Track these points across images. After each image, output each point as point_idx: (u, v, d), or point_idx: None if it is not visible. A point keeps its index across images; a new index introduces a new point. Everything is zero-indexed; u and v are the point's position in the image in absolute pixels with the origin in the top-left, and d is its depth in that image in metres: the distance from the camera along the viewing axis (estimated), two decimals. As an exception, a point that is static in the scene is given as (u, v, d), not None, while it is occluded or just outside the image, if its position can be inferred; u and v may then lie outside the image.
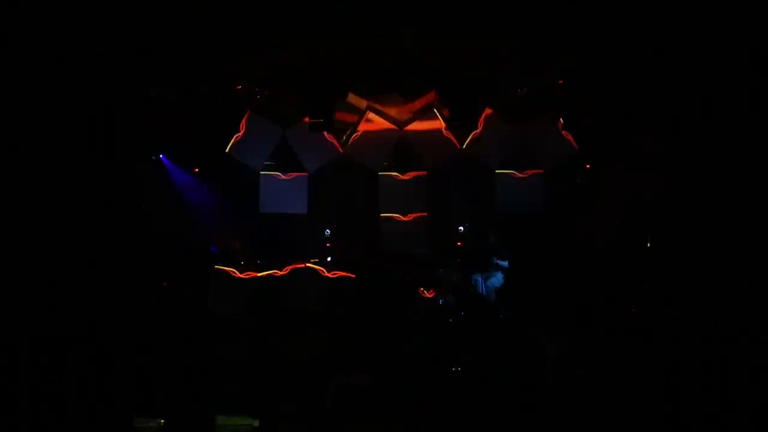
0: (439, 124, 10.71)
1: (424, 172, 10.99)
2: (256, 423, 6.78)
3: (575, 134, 10.28)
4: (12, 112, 6.07)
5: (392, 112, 10.88)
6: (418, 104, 10.61)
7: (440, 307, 9.31)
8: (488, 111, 10.48)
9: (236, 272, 9.62)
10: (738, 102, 7.75)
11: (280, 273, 9.53)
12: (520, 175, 10.92)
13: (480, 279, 9.48)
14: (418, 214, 10.90)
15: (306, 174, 10.95)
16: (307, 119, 10.36)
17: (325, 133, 10.38)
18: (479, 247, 9.94)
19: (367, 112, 10.69)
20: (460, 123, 9.95)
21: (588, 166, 10.69)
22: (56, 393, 6.07)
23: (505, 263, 9.57)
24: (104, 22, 7.02)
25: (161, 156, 10.45)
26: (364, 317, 8.46)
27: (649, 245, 9.46)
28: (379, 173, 11.00)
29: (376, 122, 10.83)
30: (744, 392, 6.00)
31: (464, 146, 10.83)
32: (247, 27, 7.96)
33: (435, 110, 10.65)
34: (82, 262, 6.78)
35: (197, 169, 10.90)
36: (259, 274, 9.56)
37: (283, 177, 11.02)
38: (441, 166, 11.00)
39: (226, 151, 10.80)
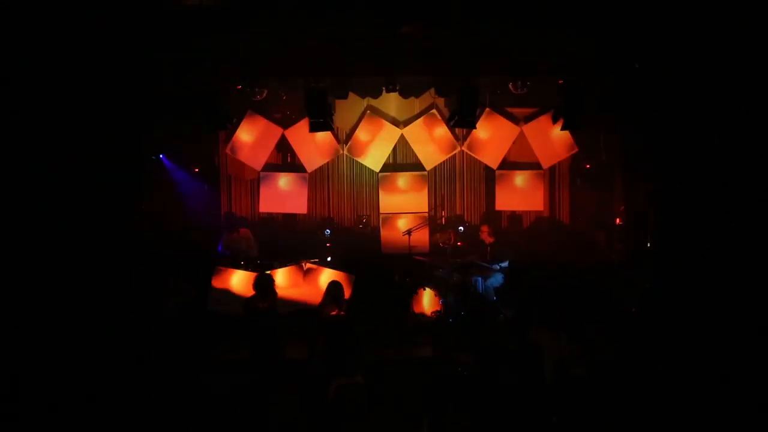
0: (440, 123, 10.72)
1: (425, 172, 10.99)
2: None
3: (575, 134, 10.28)
4: (11, 114, 6.08)
5: (392, 111, 10.90)
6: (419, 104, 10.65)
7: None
8: (488, 111, 10.48)
9: (238, 272, 9.62)
10: (738, 102, 7.76)
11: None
12: (520, 175, 10.92)
13: (480, 279, 9.47)
14: (419, 214, 10.90)
15: (306, 174, 10.96)
16: (307, 119, 10.36)
17: (326, 133, 10.38)
18: (478, 247, 9.93)
19: (368, 112, 10.71)
20: (460, 123, 9.94)
21: (588, 165, 10.69)
22: (56, 393, 6.07)
23: (505, 263, 9.56)
24: (103, 23, 7.03)
25: (161, 156, 10.44)
26: (364, 318, 8.46)
27: (649, 245, 9.46)
28: (379, 173, 11.00)
29: (376, 122, 10.84)
30: (744, 391, 6.01)
31: (464, 146, 10.84)
32: (247, 27, 7.97)
33: (435, 111, 10.67)
34: (83, 262, 6.79)
35: (197, 169, 10.90)
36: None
37: (283, 177, 11.03)
38: (441, 166, 11.01)
39: (226, 151, 10.83)
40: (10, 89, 6.25)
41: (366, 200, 11.22)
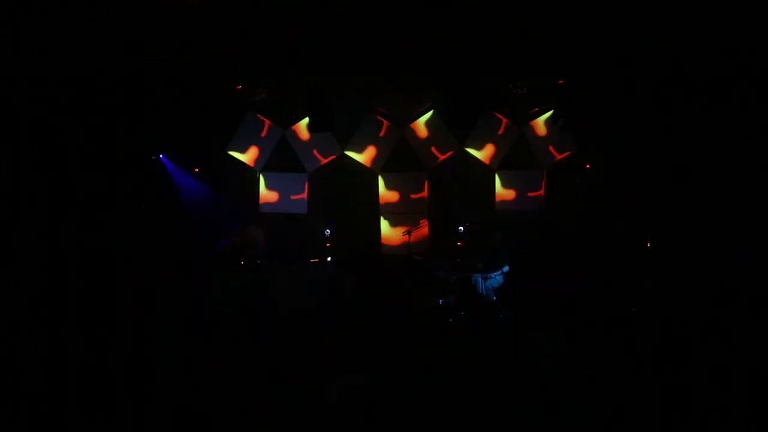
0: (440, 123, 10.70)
1: (424, 172, 10.99)
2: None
3: (575, 134, 10.28)
4: (14, 116, 6.08)
5: (393, 111, 10.90)
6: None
7: (440, 307, 9.33)
8: (488, 111, 10.49)
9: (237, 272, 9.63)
10: (736, 102, 7.77)
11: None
12: (520, 175, 10.92)
13: (480, 279, 9.49)
14: (418, 214, 10.91)
15: (306, 174, 10.95)
16: (306, 119, 10.38)
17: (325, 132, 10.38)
18: (480, 247, 9.93)
19: (368, 112, 10.71)
20: (460, 123, 9.95)
21: (588, 165, 10.69)
22: (57, 392, 6.08)
23: (505, 264, 9.58)
24: (102, 25, 7.04)
25: (161, 156, 10.45)
26: (364, 317, 8.47)
27: (649, 245, 9.47)
28: (380, 173, 11.00)
29: (376, 122, 10.84)
30: (744, 390, 6.01)
31: (464, 146, 10.84)
32: (247, 27, 7.98)
33: (435, 110, 10.66)
34: (86, 262, 6.78)
35: (197, 169, 10.90)
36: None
37: (283, 177, 11.02)
38: (441, 166, 11.02)
39: (226, 150, 10.82)
40: (9, 90, 6.26)
41: (366, 200, 11.22)
